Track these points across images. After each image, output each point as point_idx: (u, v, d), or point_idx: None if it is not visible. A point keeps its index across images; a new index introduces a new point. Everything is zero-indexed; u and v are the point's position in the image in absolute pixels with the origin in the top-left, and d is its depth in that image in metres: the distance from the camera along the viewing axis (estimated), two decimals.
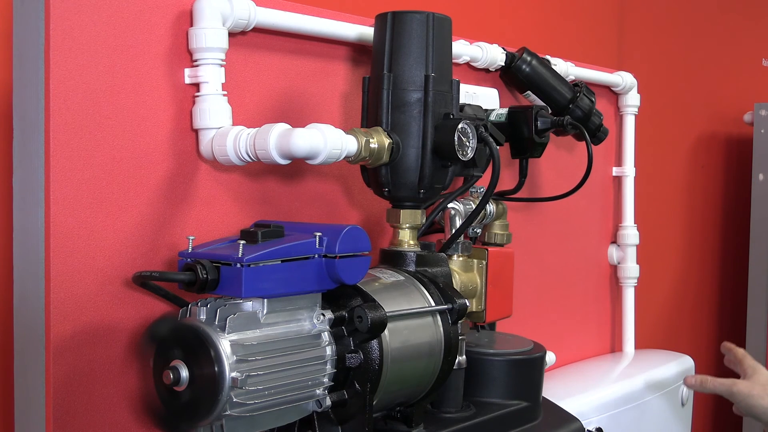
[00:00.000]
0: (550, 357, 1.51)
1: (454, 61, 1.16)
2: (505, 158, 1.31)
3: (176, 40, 0.93)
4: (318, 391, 0.79)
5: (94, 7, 0.86)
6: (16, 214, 0.87)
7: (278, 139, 0.86)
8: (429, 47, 0.94)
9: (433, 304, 0.91)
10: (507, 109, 1.25)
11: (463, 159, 0.95)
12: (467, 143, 0.95)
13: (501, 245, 1.16)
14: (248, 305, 0.76)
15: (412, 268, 0.95)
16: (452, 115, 0.96)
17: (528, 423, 1.05)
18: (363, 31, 1.09)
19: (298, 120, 1.05)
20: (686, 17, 2.29)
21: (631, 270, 1.71)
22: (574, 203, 1.52)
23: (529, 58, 1.33)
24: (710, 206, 2.33)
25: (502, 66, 1.33)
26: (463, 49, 1.27)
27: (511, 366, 1.05)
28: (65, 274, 0.85)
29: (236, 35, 0.98)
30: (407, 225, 0.97)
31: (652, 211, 2.00)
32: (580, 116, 1.35)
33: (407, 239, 0.97)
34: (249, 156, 0.90)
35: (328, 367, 0.80)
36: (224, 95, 0.94)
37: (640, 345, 1.80)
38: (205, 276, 0.74)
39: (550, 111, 1.30)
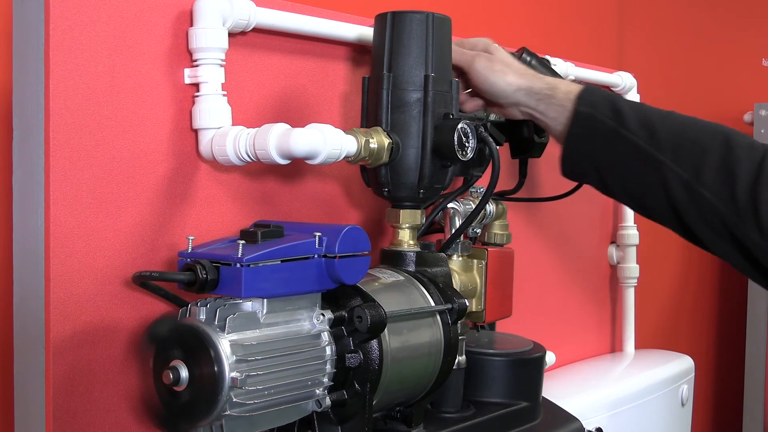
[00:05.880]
0: (550, 357, 1.51)
1: None
2: (505, 158, 1.31)
3: (176, 40, 0.93)
4: (318, 391, 0.79)
5: (94, 7, 0.86)
6: (16, 214, 0.87)
7: (278, 139, 0.86)
8: (429, 47, 0.94)
9: (432, 304, 0.91)
10: None
11: (463, 159, 0.95)
12: (467, 143, 0.95)
13: (501, 245, 1.16)
14: (248, 305, 0.76)
15: (411, 268, 0.95)
16: (452, 115, 0.96)
17: (528, 423, 1.05)
18: (363, 31, 1.09)
19: (298, 120, 1.05)
20: (686, 17, 2.29)
21: (631, 270, 1.71)
22: (574, 203, 1.52)
23: (528, 58, 1.33)
24: None
25: None
26: None
27: (511, 366, 1.05)
28: (65, 274, 0.85)
29: (236, 35, 0.98)
30: (407, 225, 0.97)
31: None
32: None
33: (407, 239, 0.97)
34: (249, 156, 0.90)
35: (328, 367, 0.80)
36: (224, 95, 0.94)
37: (640, 345, 1.80)
38: (204, 276, 0.74)
39: None
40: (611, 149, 0.95)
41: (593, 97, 0.97)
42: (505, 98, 1.01)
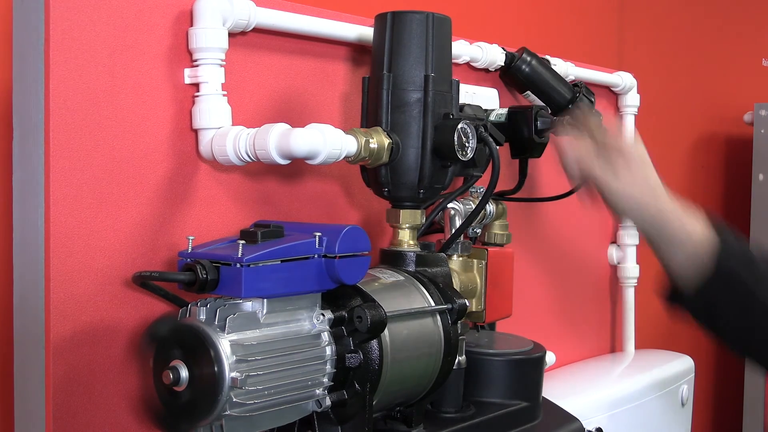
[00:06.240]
0: (550, 357, 1.51)
1: (454, 61, 1.16)
2: (505, 158, 1.31)
3: (176, 40, 0.93)
4: (318, 391, 0.79)
5: (94, 7, 0.86)
6: (16, 214, 0.87)
7: (278, 139, 0.86)
8: (429, 47, 0.94)
9: (432, 304, 0.91)
10: (507, 109, 1.25)
11: (463, 159, 0.95)
12: (467, 143, 0.95)
13: (501, 245, 1.16)
14: (248, 305, 0.76)
15: (411, 268, 0.95)
16: (452, 115, 0.96)
17: (528, 423, 1.05)
18: (363, 31, 1.09)
19: (298, 120, 1.05)
20: (686, 17, 2.29)
21: (631, 270, 1.71)
22: (574, 203, 1.52)
23: (528, 58, 1.33)
24: (710, 206, 2.33)
25: (502, 66, 1.33)
26: (463, 49, 1.27)
27: (511, 366, 1.05)
28: (65, 274, 0.85)
29: (236, 35, 0.98)
30: (407, 225, 0.97)
31: None
32: None
33: (407, 239, 0.97)
34: (249, 156, 0.90)
35: (328, 367, 0.80)
36: (224, 95, 0.94)
37: (640, 345, 1.80)
38: (204, 276, 0.74)
39: (549, 111, 1.30)
40: (742, 309, 0.91)
41: (731, 252, 0.91)
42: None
